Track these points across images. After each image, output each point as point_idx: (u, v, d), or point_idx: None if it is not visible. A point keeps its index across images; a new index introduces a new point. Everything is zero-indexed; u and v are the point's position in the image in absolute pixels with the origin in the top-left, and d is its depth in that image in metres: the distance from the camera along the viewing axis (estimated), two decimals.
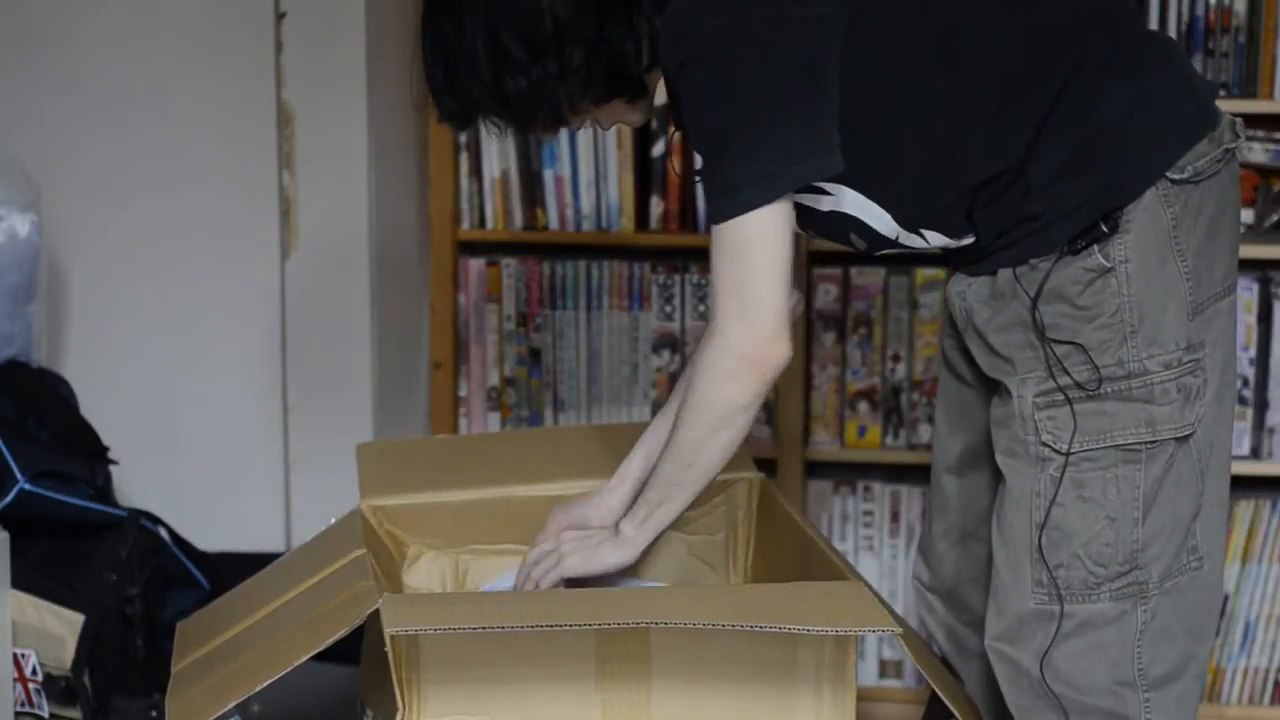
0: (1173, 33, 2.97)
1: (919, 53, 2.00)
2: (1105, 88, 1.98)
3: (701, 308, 3.16)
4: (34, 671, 2.66)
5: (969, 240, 2.06)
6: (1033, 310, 2.00)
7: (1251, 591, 3.09)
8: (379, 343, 3.16)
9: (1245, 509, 3.06)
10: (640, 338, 3.19)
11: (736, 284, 1.98)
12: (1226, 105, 2.13)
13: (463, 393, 3.25)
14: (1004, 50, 2.00)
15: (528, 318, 3.21)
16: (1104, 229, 1.97)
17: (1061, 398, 2.01)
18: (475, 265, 3.21)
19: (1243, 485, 3.00)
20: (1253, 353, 3.04)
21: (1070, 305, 1.99)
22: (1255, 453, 3.06)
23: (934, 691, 2.12)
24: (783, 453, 3.18)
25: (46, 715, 2.68)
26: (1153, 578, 2.03)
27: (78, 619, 2.68)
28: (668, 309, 3.18)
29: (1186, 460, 2.03)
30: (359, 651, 2.32)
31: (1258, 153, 2.98)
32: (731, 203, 1.96)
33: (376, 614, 1.92)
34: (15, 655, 2.64)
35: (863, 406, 3.18)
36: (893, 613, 2.11)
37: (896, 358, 3.16)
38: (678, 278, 3.16)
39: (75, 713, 2.68)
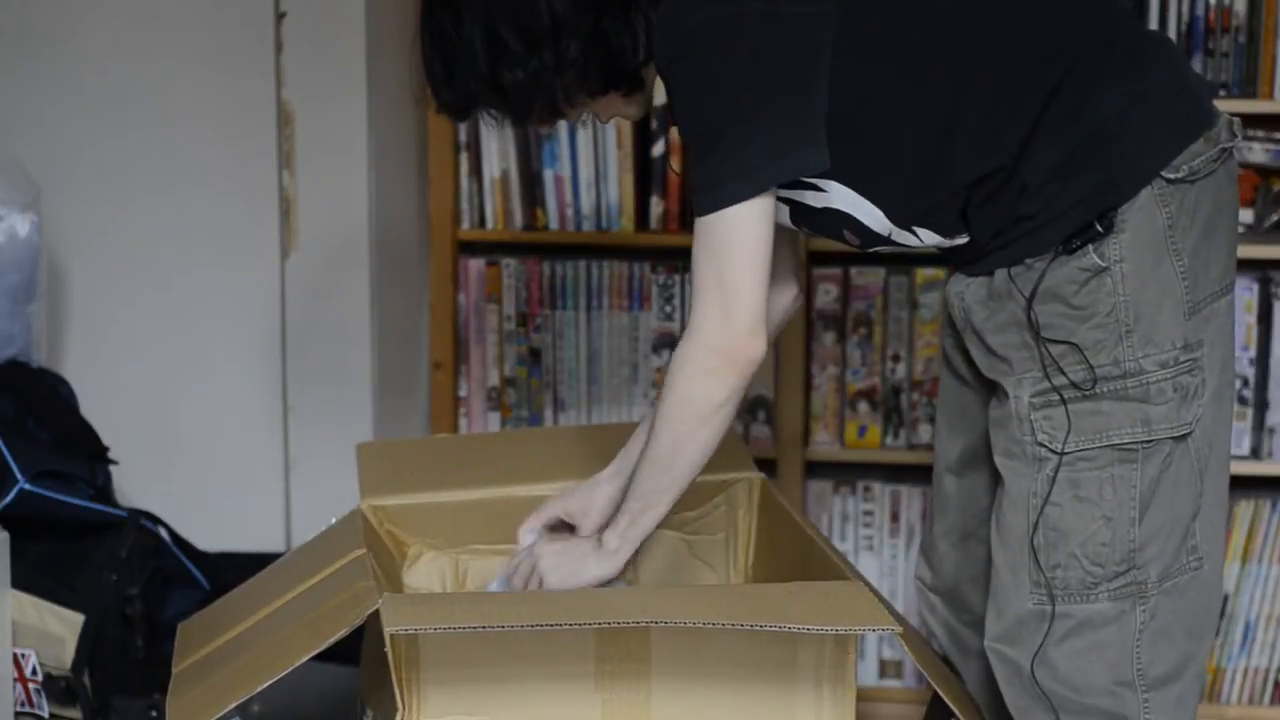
0: (1173, 33, 2.97)
1: (914, 51, 2.00)
2: (1101, 87, 1.98)
3: None
4: (34, 671, 2.66)
5: (962, 239, 2.06)
6: (1028, 310, 2.00)
7: (1251, 591, 3.09)
8: (379, 343, 3.16)
9: (1245, 509, 3.06)
10: (640, 338, 3.19)
11: (716, 279, 1.98)
12: (1226, 105, 2.14)
13: (463, 393, 3.25)
14: (1004, 50, 2.00)
15: (528, 318, 3.21)
16: (1099, 228, 1.97)
17: (1057, 398, 2.01)
18: (475, 265, 3.21)
19: (1243, 485, 3.01)
20: (1253, 353, 3.04)
21: (1065, 305, 1.99)
22: (1255, 453, 3.06)
23: (935, 691, 2.12)
24: (783, 453, 3.18)
25: (46, 715, 2.68)
26: (1151, 578, 2.03)
27: (78, 619, 2.68)
28: (668, 309, 3.18)
29: (1185, 460, 2.03)
30: (359, 651, 2.32)
31: (1258, 153, 2.98)
32: (715, 197, 1.97)
33: (376, 614, 1.92)
34: (15, 655, 2.64)
35: (863, 406, 3.18)
36: (893, 612, 2.11)
37: (896, 358, 3.16)
38: (678, 278, 3.16)
39: (75, 713, 2.68)
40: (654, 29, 2.02)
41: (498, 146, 3.16)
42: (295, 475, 3.18)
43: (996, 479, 2.09)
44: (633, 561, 2.32)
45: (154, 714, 2.68)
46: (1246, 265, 2.93)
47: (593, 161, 3.16)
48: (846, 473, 3.23)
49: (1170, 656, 2.06)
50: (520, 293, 3.20)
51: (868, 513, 3.22)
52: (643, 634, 1.95)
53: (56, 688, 2.67)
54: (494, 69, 2.05)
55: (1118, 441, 2.00)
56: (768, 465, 3.08)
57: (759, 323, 1.99)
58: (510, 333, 3.22)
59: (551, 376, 3.22)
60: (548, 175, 3.17)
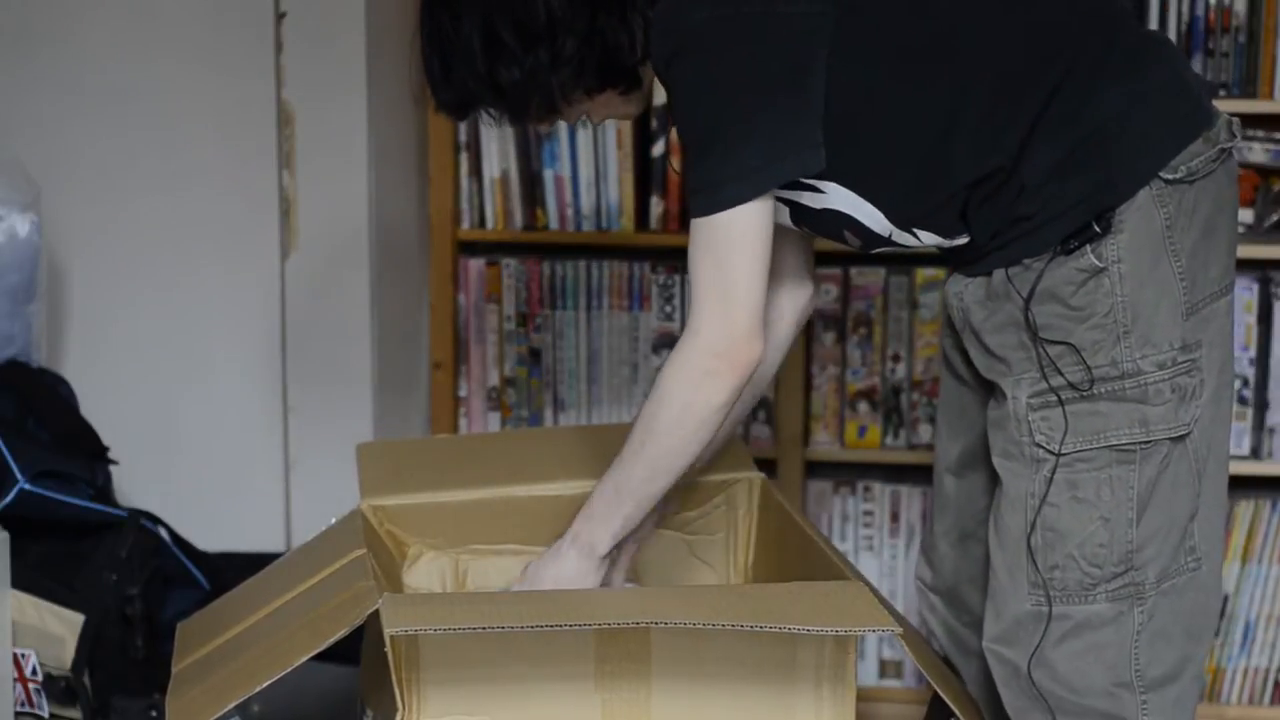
0: (1172, 33, 2.97)
1: (912, 51, 2.00)
2: (1100, 87, 1.98)
3: None
4: (34, 671, 2.66)
5: (962, 240, 2.06)
6: (1026, 311, 2.00)
7: (1251, 591, 3.09)
8: (379, 343, 3.16)
9: (1245, 509, 3.06)
10: (640, 338, 3.19)
11: (716, 281, 1.98)
12: (1226, 105, 2.14)
13: (463, 393, 3.25)
14: (1003, 50, 2.00)
15: (528, 318, 3.21)
16: (1097, 229, 1.97)
17: (1054, 399, 2.01)
18: (475, 265, 3.21)
19: (1243, 485, 3.01)
20: (1253, 353, 3.04)
21: (1063, 305, 1.99)
22: (1255, 453, 3.06)
23: (936, 691, 2.12)
24: (783, 453, 3.17)
25: (46, 715, 2.68)
26: (1149, 578, 2.03)
27: (78, 619, 2.68)
28: (668, 309, 3.18)
29: (1183, 461, 2.02)
30: (359, 651, 2.32)
31: (1258, 153, 2.98)
32: (714, 198, 1.97)
33: (376, 614, 1.92)
34: (15, 655, 2.64)
35: (863, 406, 3.18)
36: (893, 612, 2.11)
37: (896, 358, 3.16)
38: (678, 278, 3.16)
39: (75, 713, 2.68)
40: (651, 28, 2.02)
41: (498, 146, 3.16)
42: (295, 475, 3.18)
43: (995, 480, 2.09)
44: (633, 562, 2.32)
45: (154, 714, 2.68)
46: (1246, 265, 2.93)
47: (593, 161, 3.15)
48: (846, 473, 3.23)
49: (1168, 658, 2.06)
50: (520, 293, 3.20)
51: (868, 513, 3.22)
52: (643, 634, 1.95)
53: (56, 688, 2.67)
54: (491, 67, 2.05)
55: (1115, 442, 2.00)
56: (768, 465, 3.08)
57: (759, 325, 1.99)
58: (510, 333, 3.22)
59: (551, 376, 3.22)
60: (548, 175, 3.17)
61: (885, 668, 3.24)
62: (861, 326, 3.16)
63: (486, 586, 2.36)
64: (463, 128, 3.15)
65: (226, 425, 3.17)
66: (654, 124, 3.12)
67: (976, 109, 1.98)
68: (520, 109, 2.10)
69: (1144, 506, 2.01)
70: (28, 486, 2.71)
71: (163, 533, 2.89)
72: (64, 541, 2.79)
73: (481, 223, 3.21)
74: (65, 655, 2.67)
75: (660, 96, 2.14)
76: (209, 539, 3.03)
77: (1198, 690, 2.11)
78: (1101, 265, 1.97)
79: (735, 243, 1.97)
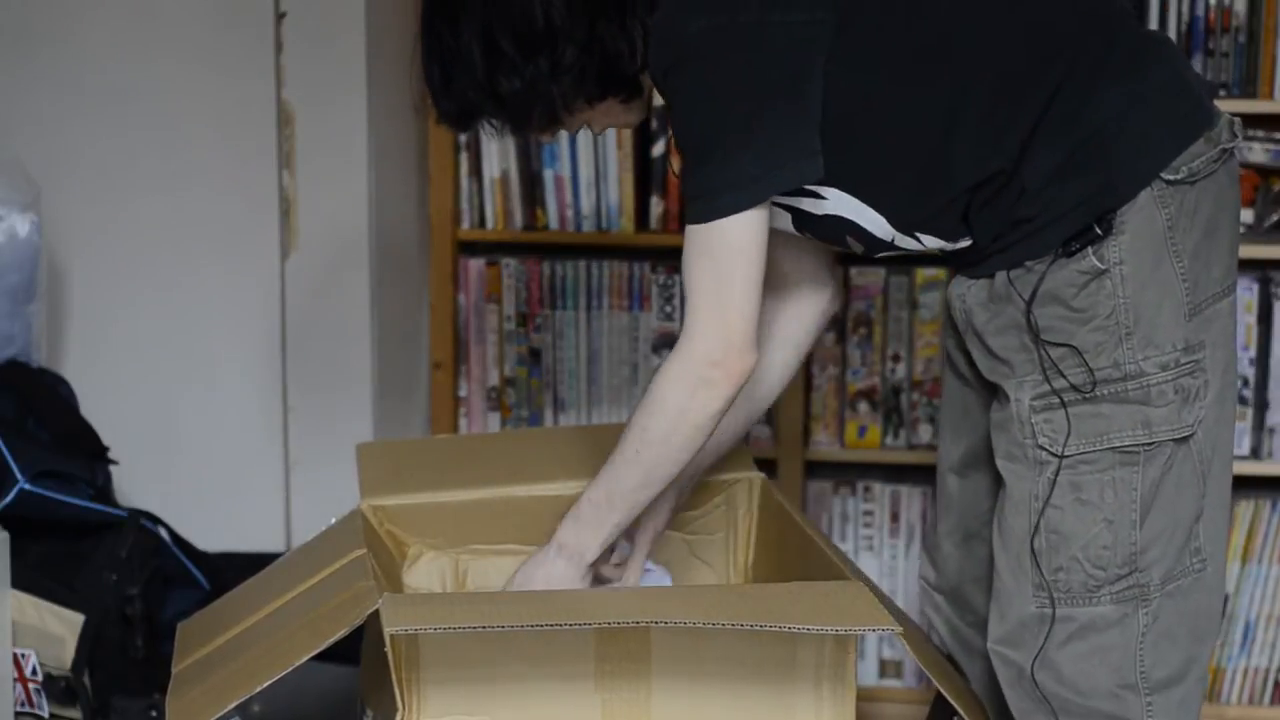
0: (1173, 33, 2.97)
1: (912, 56, 1.99)
2: (1100, 88, 1.97)
3: None
4: (34, 671, 2.66)
5: (965, 243, 2.06)
6: (1027, 313, 2.00)
7: (1251, 591, 3.09)
8: (379, 343, 3.16)
9: (1245, 509, 3.06)
10: (640, 338, 3.19)
11: (713, 290, 1.98)
12: (1226, 105, 2.13)
13: (463, 393, 3.25)
14: (1004, 50, 1.99)
15: (528, 318, 3.21)
16: (1098, 231, 1.97)
17: (1057, 400, 2.00)
18: (475, 265, 3.21)
19: (1243, 485, 3.00)
20: (1253, 353, 3.04)
21: (1065, 307, 1.99)
22: (1255, 453, 3.06)
23: (939, 690, 2.12)
24: (783, 453, 3.17)
25: (46, 715, 2.68)
26: (1154, 580, 2.03)
27: (78, 619, 2.68)
28: (668, 309, 3.18)
29: (1187, 462, 2.02)
30: (359, 651, 2.32)
31: (1258, 153, 2.98)
32: (711, 207, 1.96)
33: (376, 614, 1.92)
34: (15, 655, 2.64)
35: (863, 406, 3.18)
36: (894, 610, 2.11)
37: (896, 358, 3.16)
38: (678, 278, 3.16)
39: (75, 713, 2.68)
40: (649, 37, 2.02)
41: (498, 147, 3.16)
42: (295, 475, 3.18)
43: (999, 480, 2.09)
44: (653, 547, 2.33)
45: (154, 714, 2.68)
46: (1246, 265, 2.93)
47: (593, 162, 3.16)
48: (846, 473, 3.23)
49: (1173, 659, 2.05)
50: (520, 293, 3.20)
51: (868, 513, 3.22)
52: (643, 634, 1.95)
53: (56, 688, 2.67)
54: (491, 77, 2.04)
55: (1118, 444, 2.00)
56: (768, 465, 3.08)
57: (754, 334, 1.99)
58: (510, 333, 3.22)
59: (551, 376, 3.22)
60: (548, 175, 3.17)
61: (885, 667, 3.24)
62: (861, 326, 3.16)
63: (486, 586, 2.36)
64: None
65: (226, 425, 3.17)
66: (654, 124, 3.12)
67: (976, 109, 1.98)
68: (522, 119, 2.09)
69: (1147, 508, 2.01)
70: (28, 486, 2.71)
71: (163, 533, 2.89)
72: (64, 541, 2.79)
73: (481, 223, 3.21)
74: (65, 655, 2.67)
75: (660, 99, 2.13)
76: (209, 539, 3.03)
77: (1202, 691, 2.11)
78: (1103, 267, 1.97)
79: (732, 251, 1.97)
